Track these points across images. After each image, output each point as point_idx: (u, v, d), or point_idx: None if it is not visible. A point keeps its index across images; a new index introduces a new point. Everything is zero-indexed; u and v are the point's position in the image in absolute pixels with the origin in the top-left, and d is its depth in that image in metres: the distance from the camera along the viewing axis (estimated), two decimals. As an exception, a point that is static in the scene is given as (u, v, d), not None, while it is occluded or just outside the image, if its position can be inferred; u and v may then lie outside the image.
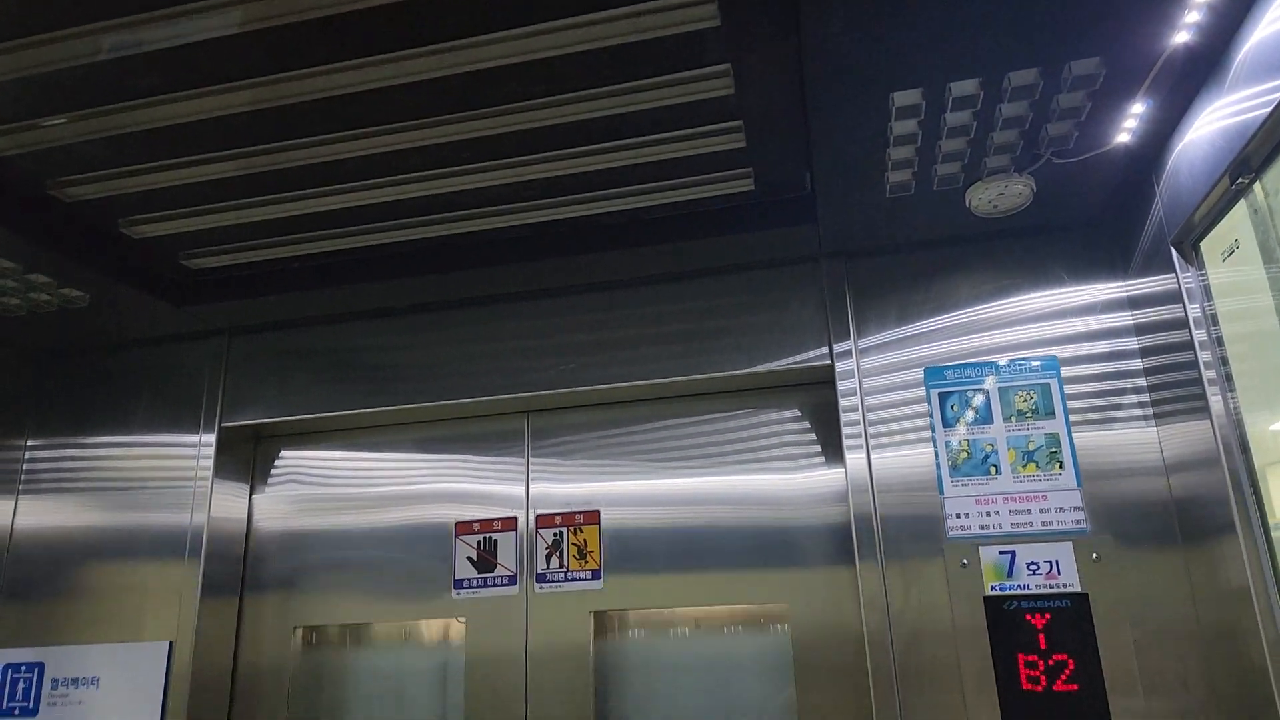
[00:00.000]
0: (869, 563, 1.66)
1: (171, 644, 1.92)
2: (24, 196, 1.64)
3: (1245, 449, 1.37)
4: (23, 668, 2.00)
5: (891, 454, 1.71)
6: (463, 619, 1.94)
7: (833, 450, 1.88)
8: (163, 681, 1.90)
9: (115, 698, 1.92)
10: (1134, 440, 1.63)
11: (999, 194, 1.59)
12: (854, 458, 1.72)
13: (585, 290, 1.98)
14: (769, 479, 1.90)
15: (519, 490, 2.00)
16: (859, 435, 1.74)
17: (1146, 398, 1.65)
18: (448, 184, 1.64)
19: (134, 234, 1.79)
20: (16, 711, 1.97)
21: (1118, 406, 1.66)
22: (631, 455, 1.97)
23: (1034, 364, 1.70)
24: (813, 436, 1.91)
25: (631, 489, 1.94)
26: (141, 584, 1.99)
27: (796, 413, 1.93)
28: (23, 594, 2.06)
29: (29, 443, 2.21)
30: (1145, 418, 1.64)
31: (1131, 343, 1.69)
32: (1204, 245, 1.43)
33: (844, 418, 1.76)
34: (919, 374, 1.75)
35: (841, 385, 1.78)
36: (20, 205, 1.65)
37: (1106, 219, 1.73)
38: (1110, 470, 1.62)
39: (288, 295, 1.97)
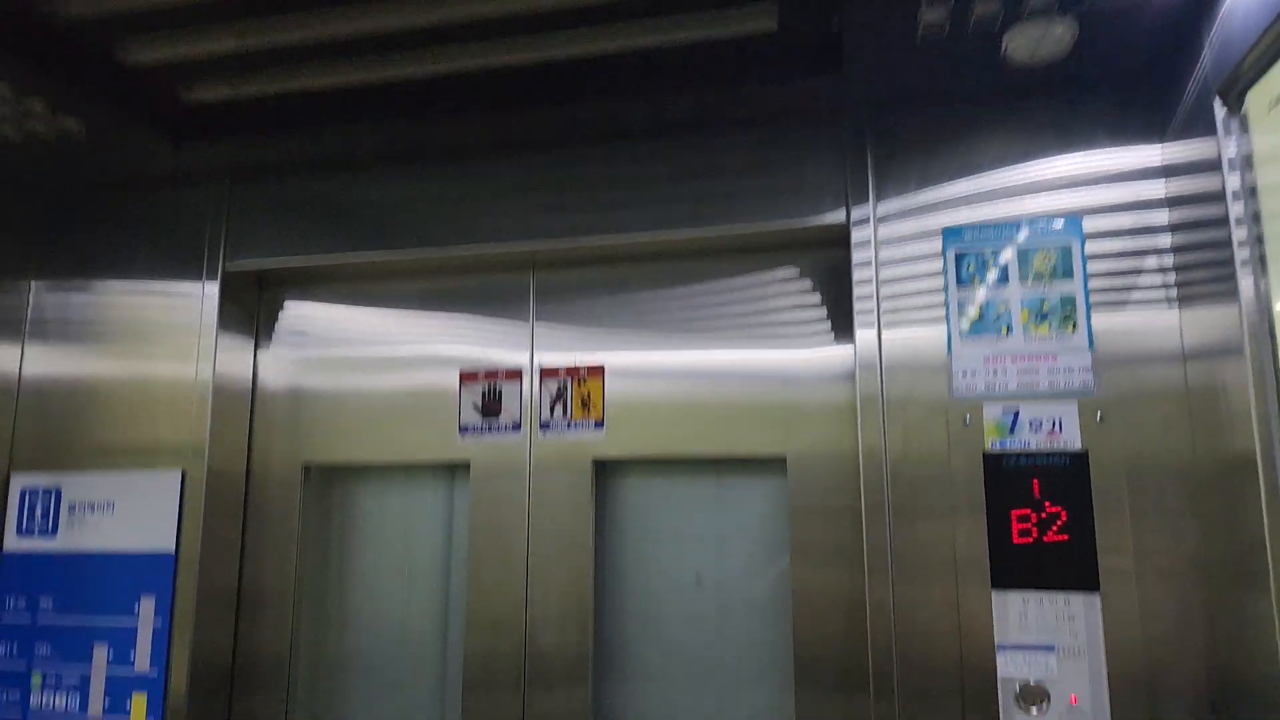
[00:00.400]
0: (871, 422, 1.67)
1: (184, 473, 1.98)
2: (14, 14, 1.56)
3: (1273, 335, 1.32)
4: (40, 492, 2.06)
5: (903, 332, 1.69)
6: (467, 460, 1.98)
7: (842, 325, 1.85)
8: (176, 508, 1.96)
9: (131, 522, 1.99)
10: (1154, 324, 1.59)
11: (1038, 38, 1.50)
12: (864, 334, 1.70)
13: (595, 140, 1.91)
14: (775, 348, 1.89)
15: (524, 356, 2.00)
16: (871, 310, 1.71)
17: (1172, 278, 1.60)
18: (453, 11, 1.56)
19: (131, 60, 1.72)
20: (36, 532, 2.05)
21: (1140, 287, 1.61)
22: (637, 319, 1.96)
23: (1056, 225, 1.65)
24: (823, 312, 1.88)
25: (636, 357, 1.94)
26: (151, 424, 2.03)
27: (808, 284, 1.90)
28: (37, 432, 2.10)
29: (33, 284, 2.19)
30: (1169, 300, 1.60)
31: (1161, 216, 1.62)
32: (1250, 95, 1.35)
33: (857, 291, 1.72)
34: (937, 244, 1.70)
35: (856, 256, 1.74)
36: (11, 24, 1.57)
37: (1148, 73, 1.64)
38: (1126, 353, 1.59)
39: (289, 135, 1.91)
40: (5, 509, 2.07)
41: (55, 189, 2.21)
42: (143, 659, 1.93)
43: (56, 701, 1.96)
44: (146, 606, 1.95)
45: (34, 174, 2.13)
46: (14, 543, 2.06)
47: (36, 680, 1.99)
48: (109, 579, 1.98)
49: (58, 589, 2.01)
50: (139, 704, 1.92)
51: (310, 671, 2.08)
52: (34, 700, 1.98)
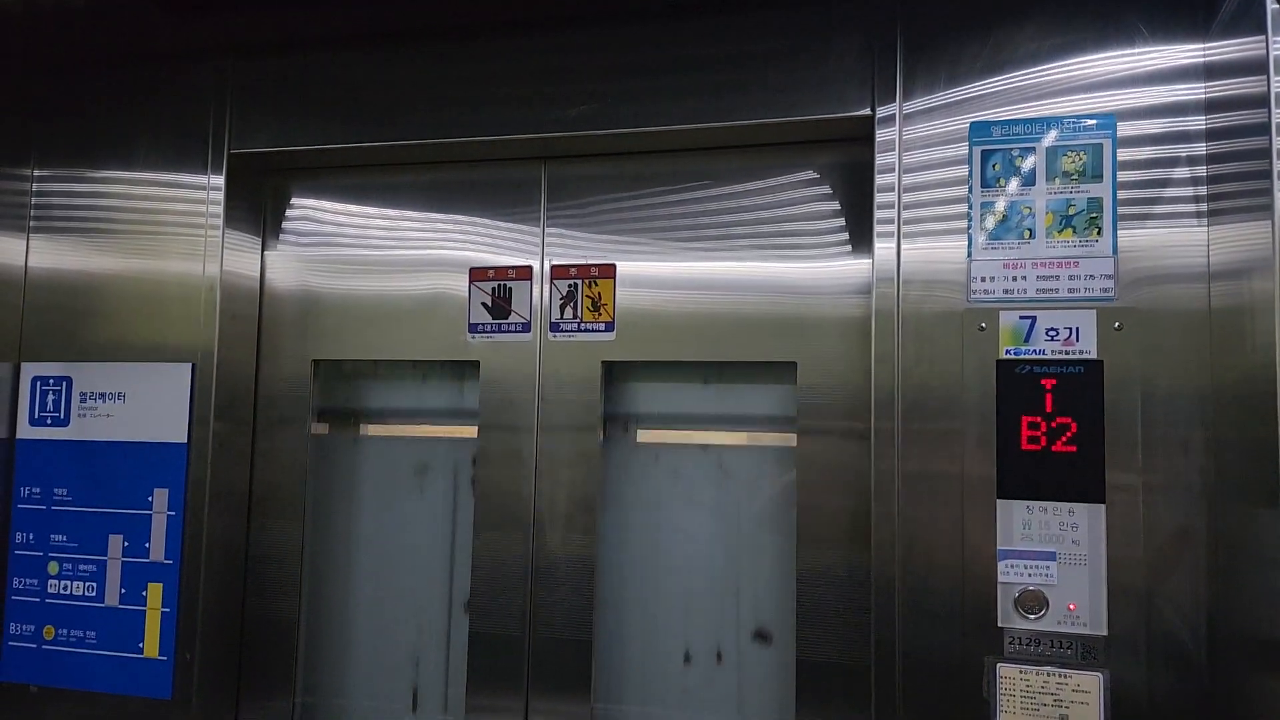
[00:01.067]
0: (885, 330, 1.64)
1: (194, 365, 1.98)
2: None
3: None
4: (51, 381, 2.07)
5: (923, 243, 1.63)
6: (477, 360, 1.98)
7: (859, 234, 1.81)
8: (188, 400, 1.97)
9: (142, 413, 2.00)
10: (1180, 237, 1.54)
11: (1083, -79, 1.42)
12: (883, 244, 1.65)
13: (608, 22, 1.83)
14: (790, 248, 1.85)
15: (534, 254, 1.97)
16: (891, 220, 1.65)
17: (1203, 190, 1.54)
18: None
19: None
20: (49, 421, 2.07)
21: (1168, 199, 1.55)
22: (650, 221, 1.92)
23: (1089, 122, 1.59)
24: (840, 221, 1.83)
25: (648, 259, 1.91)
26: (160, 319, 2.01)
27: (826, 189, 1.85)
28: (46, 324, 2.09)
29: (35, 173, 2.15)
30: (1198, 213, 1.54)
31: (1199, 122, 1.55)
32: (1306, -17, 1.28)
33: (878, 199, 1.66)
34: (963, 149, 1.64)
35: (880, 160, 1.67)
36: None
37: (1195, -37, 1.55)
38: (1150, 263, 1.55)
39: (294, 7, 1.84)
40: (17, 398, 2.09)
41: (55, 66, 2.14)
42: (158, 549, 1.97)
43: (74, 589, 2.01)
44: (160, 497, 1.97)
45: (32, 47, 2.06)
46: (27, 431, 2.08)
47: (53, 569, 2.03)
48: (122, 469, 2.00)
49: (72, 478, 2.03)
50: (155, 593, 1.96)
51: (322, 561, 2.12)
52: (51, 588, 2.02)
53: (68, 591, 2.01)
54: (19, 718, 2.01)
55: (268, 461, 2.09)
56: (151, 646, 1.95)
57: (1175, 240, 1.55)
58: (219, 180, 2.02)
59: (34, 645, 2.02)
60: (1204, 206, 1.55)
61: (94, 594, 2.00)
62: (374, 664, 2.08)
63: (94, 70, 2.13)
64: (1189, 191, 1.56)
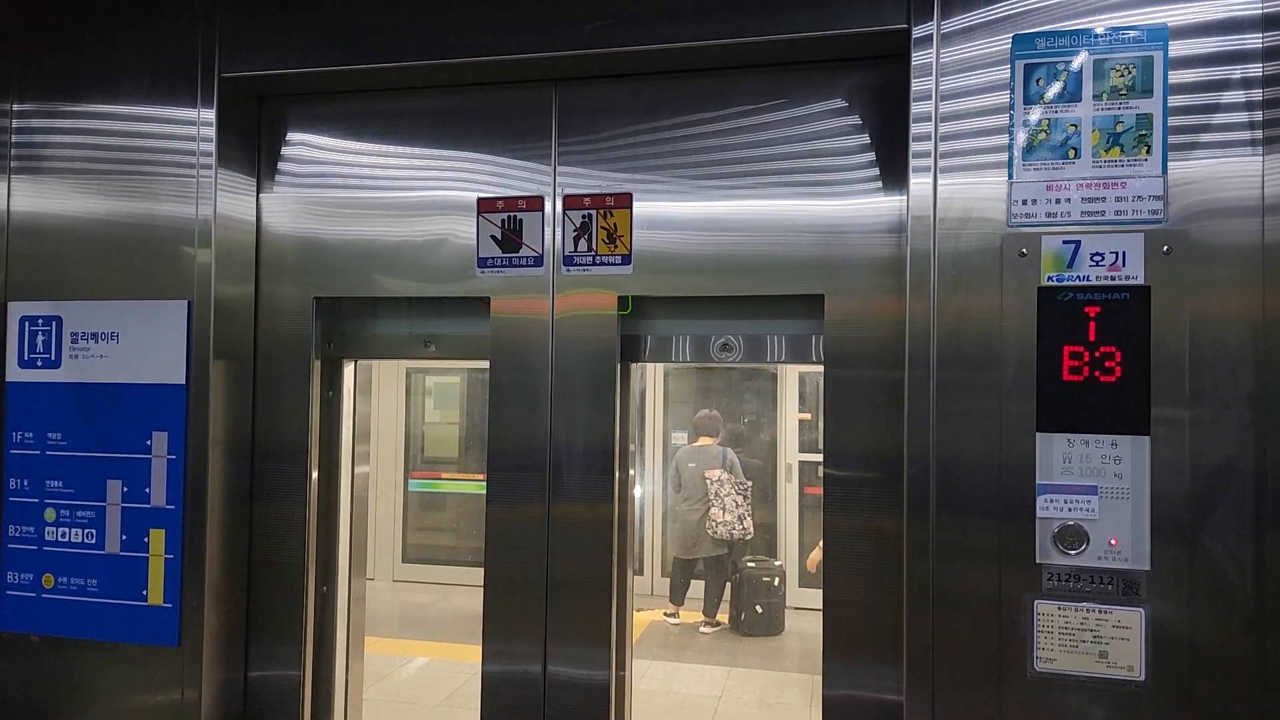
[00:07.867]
0: (920, 263, 1.56)
1: (190, 303, 1.89)
2: None
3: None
4: (40, 321, 1.98)
5: (962, 175, 1.55)
6: (486, 296, 1.89)
7: (891, 161, 1.72)
8: (185, 338, 1.89)
9: (138, 352, 1.92)
10: (1233, 160, 1.46)
11: None
12: (919, 177, 1.56)
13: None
14: (814, 197, 1.76)
15: (546, 183, 1.87)
16: (928, 153, 1.56)
17: (1259, 116, 1.44)
18: None
19: None
20: (39, 363, 1.98)
21: (1218, 126, 1.46)
22: (667, 151, 1.82)
23: (1139, 33, 1.49)
24: (870, 157, 1.74)
25: (666, 189, 1.82)
26: (154, 262, 1.92)
27: (857, 120, 1.75)
28: (33, 263, 1.99)
29: (15, 107, 2.04)
30: (1253, 142, 1.45)
31: (1254, 40, 1.46)
32: None
33: (914, 129, 1.56)
34: (1004, 72, 1.54)
35: (916, 85, 1.57)
36: None
37: None
38: (1200, 183, 1.47)
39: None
40: (5, 339, 2.00)
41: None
42: (159, 494, 1.90)
43: (72, 536, 1.95)
44: (160, 440, 1.90)
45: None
46: (16, 373, 1.99)
47: (50, 515, 1.96)
48: (119, 412, 1.92)
49: (66, 422, 1.96)
50: (157, 539, 1.90)
51: (327, 502, 2.05)
52: (49, 535, 1.96)
53: (66, 539, 1.95)
54: (20, 668, 1.96)
55: (270, 401, 2.01)
56: (155, 594, 1.89)
57: (1227, 170, 1.46)
58: (210, 115, 1.90)
59: (33, 594, 1.96)
60: (1259, 134, 1.46)
61: (94, 541, 1.93)
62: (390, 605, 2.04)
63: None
64: (1243, 117, 1.46)
